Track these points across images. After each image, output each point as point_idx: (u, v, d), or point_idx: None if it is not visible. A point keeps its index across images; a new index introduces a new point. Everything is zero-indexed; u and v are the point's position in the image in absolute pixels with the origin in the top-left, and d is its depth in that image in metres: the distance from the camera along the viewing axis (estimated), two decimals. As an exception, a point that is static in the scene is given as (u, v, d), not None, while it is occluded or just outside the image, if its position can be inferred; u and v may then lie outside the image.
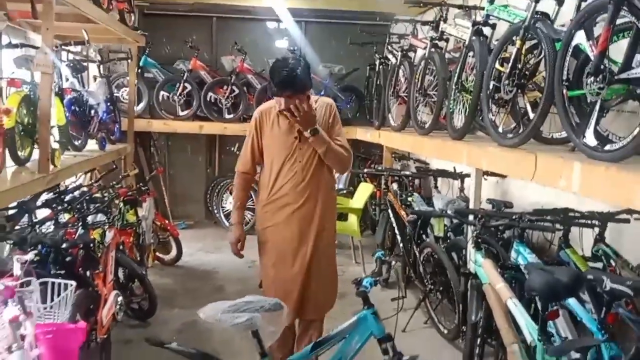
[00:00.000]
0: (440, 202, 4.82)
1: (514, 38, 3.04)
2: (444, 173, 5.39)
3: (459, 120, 3.74)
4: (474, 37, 3.57)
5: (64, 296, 2.75)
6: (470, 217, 3.41)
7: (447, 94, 3.89)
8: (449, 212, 4.02)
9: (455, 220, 4.42)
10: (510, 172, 3.23)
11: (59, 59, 4.57)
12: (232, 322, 2.21)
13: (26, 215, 3.70)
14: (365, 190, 6.09)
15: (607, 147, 2.23)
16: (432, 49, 4.29)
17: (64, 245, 3.06)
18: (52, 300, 2.74)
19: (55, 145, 3.77)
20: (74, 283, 2.81)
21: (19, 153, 3.31)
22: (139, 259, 4.78)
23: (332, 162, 3.03)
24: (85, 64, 5.13)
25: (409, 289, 4.85)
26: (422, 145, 4.41)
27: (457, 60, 3.93)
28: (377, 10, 7.07)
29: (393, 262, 5.04)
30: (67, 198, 4.09)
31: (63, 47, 4.77)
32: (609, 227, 3.13)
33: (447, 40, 4.44)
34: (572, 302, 2.59)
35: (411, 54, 5.13)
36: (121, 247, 4.13)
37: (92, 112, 4.94)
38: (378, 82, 6.02)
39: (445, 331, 4.10)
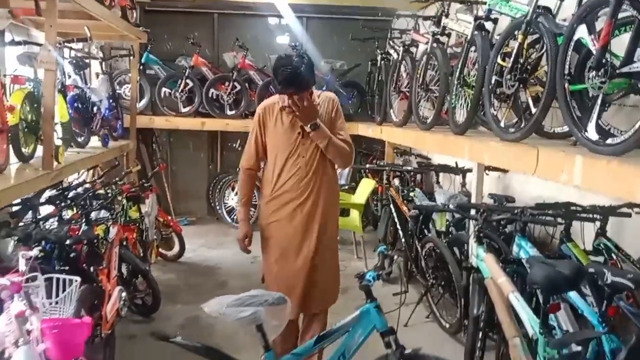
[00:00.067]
0: (442, 197, 4.84)
1: (515, 33, 3.04)
2: (445, 168, 5.40)
3: (461, 115, 3.74)
4: (475, 32, 3.57)
5: (69, 292, 2.77)
6: (472, 212, 3.42)
7: (449, 89, 3.90)
8: (451, 206, 4.03)
9: (457, 215, 4.44)
10: (512, 167, 3.24)
11: (61, 56, 4.59)
12: (236, 316, 2.23)
13: (30, 211, 3.73)
14: (367, 185, 6.10)
15: (609, 141, 2.25)
16: (434, 44, 4.29)
17: (68, 242, 3.09)
18: (57, 295, 2.77)
19: (59, 142, 3.79)
20: (78, 279, 2.83)
21: (23, 150, 3.33)
22: (142, 255, 4.80)
23: (334, 156, 3.04)
24: (87, 61, 5.14)
25: (410, 284, 4.87)
26: (424, 140, 4.42)
27: (459, 55, 3.93)
28: (378, 6, 7.06)
29: (395, 257, 5.06)
30: (71, 195, 4.11)
31: (65, 44, 4.78)
32: (611, 221, 3.14)
33: (449, 35, 4.45)
34: (573, 295, 2.60)
35: (413, 49, 5.14)
36: (124, 243, 4.15)
37: (95, 108, 4.96)
38: (380, 78, 6.02)
39: (447, 325, 4.12)
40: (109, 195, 4.29)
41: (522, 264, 2.88)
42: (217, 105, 7.10)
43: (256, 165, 3.18)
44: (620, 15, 2.22)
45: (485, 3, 3.67)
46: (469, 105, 3.55)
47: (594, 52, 2.30)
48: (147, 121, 6.94)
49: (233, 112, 7.10)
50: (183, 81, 6.95)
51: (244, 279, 5.17)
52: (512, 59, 3.00)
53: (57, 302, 2.76)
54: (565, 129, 2.93)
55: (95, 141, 5.08)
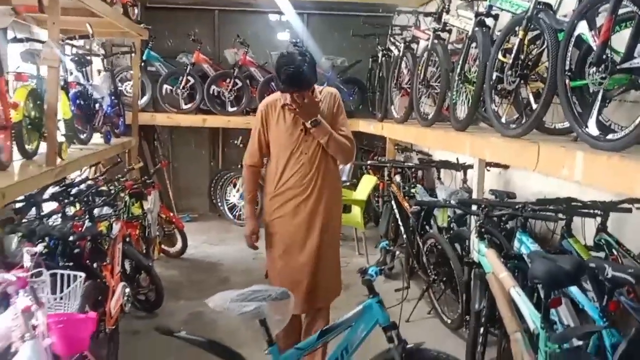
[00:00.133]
0: (443, 193, 4.85)
1: (516, 29, 3.06)
2: (447, 164, 5.41)
3: (461, 112, 3.75)
4: (476, 28, 3.58)
5: (74, 287, 2.80)
6: (474, 207, 3.44)
7: (450, 85, 3.91)
8: (452, 202, 4.05)
9: (458, 211, 4.45)
10: (513, 162, 3.25)
11: (63, 53, 4.60)
12: (240, 310, 2.25)
13: (33, 208, 3.75)
14: (368, 182, 6.12)
15: (610, 137, 2.26)
16: (435, 40, 4.30)
17: (71, 238, 3.11)
18: (61, 291, 2.79)
19: (62, 139, 3.81)
20: (83, 274, 2.86)
21: (27, 146, 3.35)
22: (145, 251, 4.83)
23: (335, 151, 3.06)
24: (89, 57, 5.15)
25: (412, 280, 4.89)
26: (425, 136, 4.43)
27: (459, 52, 3.94)
28: (379, 2, 7.06)
29: (397, 252, 5.10)
30: (74, 191, 4.12)
31: (67, 41, 4.80)
32: (611, 216, 3.15)
33: (449, 32, 4.46)
34: (574, 290, 2.62)
35: (414, 46, 5.14)
36: (127, 239, 4.17)
37: (97, 105, 4.98)
38: (380, 74, 6.03)
39: (449, 321, 4.14)
40: (112, 191, 4.30)
41: (523, 260, 2.90)
42: (218, 102, 7.12)
43: (260, 162, 3.20)
44: (621, 11, 2.23)
45: (486, -1, 3.68)
46: (470, 101, 3.56)
47: (595, 48, 2.32)
48: (148, 118, 6.96)
49: (234, 108, 7.12)
50: (184, 78, 6.96)
51: (246, 275, 5.20)
52: (512, 55, 3.02)
53: (61, 298, 2.78)
54: (566, 125, 2.94)
55: (97, 138, 5.10)
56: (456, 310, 4.06)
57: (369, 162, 6.54)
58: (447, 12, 4.45)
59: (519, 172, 4.48)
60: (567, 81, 2.54)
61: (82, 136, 4.56)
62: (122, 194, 4.53)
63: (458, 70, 3.79)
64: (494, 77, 3.20)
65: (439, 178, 5.67)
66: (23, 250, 2.57)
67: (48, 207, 3.86)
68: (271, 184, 3.11)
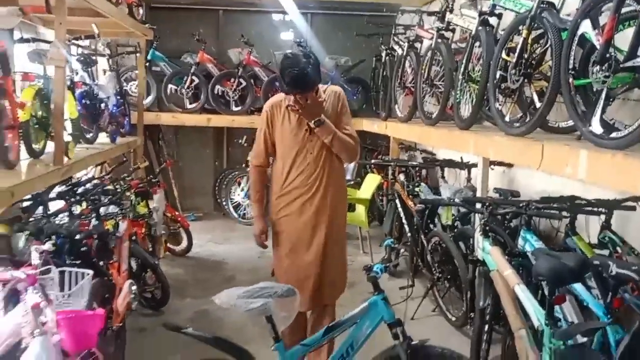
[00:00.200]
0: (447, 192, 4.87)
1: (520, 28, 3.07)
2: (451, 163, 5.43)
3: (465, 110, 3.77)
4: (480, 27, 3.59)
5: (82, 284, 2.82)
6: (478, 206, 3.45)
7: (454, 84, 3.92)
8: (456, 200, 4.06)
9: (462, 210, 4.47)
10: (517, 161, 3.26)
11: (69, 53, 4.63)
12: (246, 307, 2.27)
13: (40, 207, 3.78)
14: (372, 181, 6.13)
15: (613, 135, 2.27)
16: (439, 40, 4.32)
17: (78, 236, 3.14)
18: (69, 289, 2.82)
19: (69, 138, 3.84)
20: (90, 272, 2.89)
21: (34, 146, 3.37)
22: (151, 249, 4.86)
23: (339, 150, 3.08)
24: (94, 57, 5.18)
25: (416, 278, 4.90)
26: (429, 135, 4.45)
27: (463, 51, 3.96)
28: (382, 1, 7.08)
29: (402, 249, 5.11)
30: (80, 190, 4.16)
31: (73, 41, 4.83)
32: (615, 214, 3.16)
33: (453, 31, 4.47)
34: (578, 287, 2.63)
35: (417, 45, 5.16)
36: (134, 237, 4.20)
37: (103, 105, 5.00)
38: (384, 74, 6.05)
39: (453, 318, 4.15)
40: (118, 190, 4.33)
41: (528, 257, 2.91)
42: (222, 102, 7.14)
43: (266, 162, 3.22)
44: (624, 10, 2.25)
45: (489, -2, 3.70)
46: (474, 100, 3.58)
47: (598, 46, 2.33)
48: (153, 118, 7.00)
49: (239, 108, 7.14)
50: (189, 78, 6.99)
51: (251, 274, 5.22)
52: (516, 54, 3.03)
53: (69, 295, 2.81)
54: (570, 123, 2.95)
55: (103, 137, 5.13)
56: (460, 308, 4.07)
57: (373, 160, 6.56)
58: (451, 11, 4.47)
59: (523, 171, 4.49)
60: (570, 80, 2.55)
61: (88, 135, 4.59)
62: (128, 193, 4.56)
63: (462, 69, 3.81)
64: (497, 76, 3.21)
65: (442, 177, 5.68)
66: (31, 248, 2.61)
67: (55, 205, 3.90)
68: (277, 183, 3.13)
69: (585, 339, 2.49)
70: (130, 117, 6.10)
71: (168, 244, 5.66)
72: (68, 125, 4.01)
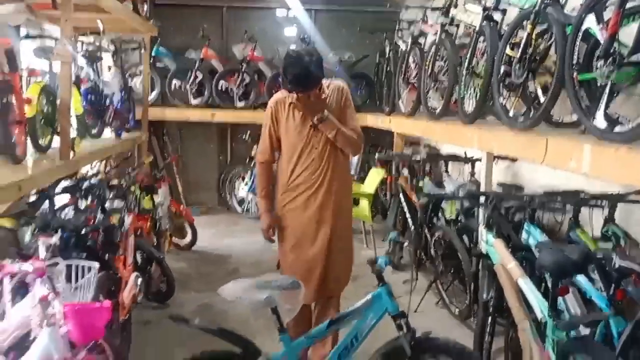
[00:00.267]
0: (451, 186, 4.88)
1: (524, 23, 3.08)
2: (454, 158, 5.44)
3: (469, 105, 3.78)
4: (484, 23, 3.60)
5: (89, 277, 2.85)
6: (482, 199, 3.46)
7: (458, 79, 3.93)
8: (460, 194, 4.08)
9: (466, 204, 4.48)
10: (521, 155, 3.27)
11: (75, 49, 4.66)
12: (251, 299, 2.29)
13: (47, 201, 3.81)
14: (376, 175, 6.15)
15: (617, 129, 2.28)
16: (443, 35, 4.32)
17: (84, 230, 3.17)
18: (75, 282, 2.85)
19: (74, 134, 3.87)
20: (97, 265, 2.91)
21: (40, 141, 3.40)
22: (156, 243, 4.89)
23: (343, 145, 3.09)
24: (99, 53, 5.20)
25: (420, 272, 4.93)
26: (433, 130, 4.46)
27: (467, 46, 3.96)
28: (386, -3, 7.09)
29: (406, 243, 5.14)
30: (86, 185, 4.18)
31: (79, 37, 4.85)
32: (619, 208, 3.17)
33: (457, 26, 4.47)
34: (581, 279, 2.65)
35: (421, 40, 5.16)
36: (139, 232, 4.23)
37: (107, 101, 5.03)
38: (388, 69, 6.05)
39: (457, 311, 4.17)
40: (123, 185, 4.36)
41: (531, 251, 2.93)
42: (226, 97, 7.16)
43: (272, 158, 3.23)
44: (628, 4, 2.25)
45: (493, -7, 3.69)
46: (478, 95, 3.59)
47: (602, 41, 2.34)
48: (158, 113, 7.02)
49: (242, 103, 7.16)
50: (193, 73, 7.01)
51: (254, 267, 5.25)
52: (520, 49, 3.04)
53: (76, 288, 2.83)
54: (574, 118, 2.96)
55: (107, 133, 5.16)
56: (464, 301, 4.09)
57: (377, 155, 6.57)
58: (455, 6, 4.46)
59: (527, 165, 4.50)
60: (574, 74, 2.56)
61: (94, 131, 4.62)
62: (133, 188, 4.59)
63: (466, 64, 3.81)
64: (501, 71, 3.22)
65: (446, 171, 5.69)
66: (38, 241, 2.64)
67: (60, 200, 3.93)
68: (283, 179, 3.15)
69: (588, 331, 2.52)
70: (134, 113, 6.13)
71: (173, 238, 5.69)
72: (73, 121, 4.04)
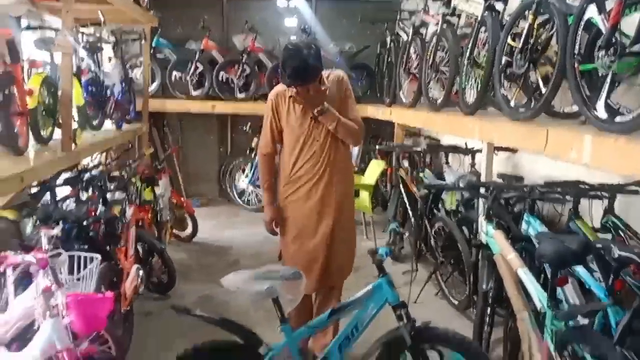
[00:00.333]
0: (451, 177, 4.89)
1: (526, 13, 3.07)
2: (455, 149, 5.44)
3: (470, 96, 3.77)
4: (486, 13, 3.59)
5: (91, 268, 2.87)
6: (482, 190, 3.47)
7: (459, 69, 3.92)
8: (461, 185, 4.09)
9: (466, 195, 4.49)
10: (521, 146, 3.27)
11: (76, 40, 4.64)
12: (253, 289, 2.31)
13: (48, 193, 3.82)
14: (376, 167, 6.15)
15: (618, 119, 2.28)
16: (444, 25, 4.31)
17: (86, 222, 3.18)
18: (77, 273, 2.87)
19: (76, 125, 3.87)
20: (99, 256, 2.93)
21: (42, 132, 3.40)
22: (157, 235, 4.90)
23: (344, 135, 3.10)
24: (99, 44, 5.19)
25: (420, 263, 4.95)
26: (434, 121, 4.46)
27: (469, 36, 3.95)
28: (387, -13, 7.05)
29: (406, 234, 5.16)
30: (87, 176, 4.19)
31: (81, 29, 4.84)
32: (618, 198, 3.18)
33: (459, 16, 4.45)
34: (580, 270, 2.66)
35: (422, 31, 5.14)
36: (140, 223, 4.24)
37: (108, 92, 5.03)
38: (389, 59, 6.04)
39: (456, 302, 4.20)
40: (125, 177, 4.37)
41: (531, 241, 2.94)
42: (227, 88, 7.15)
43: (274, 150, 3.24)
44: (630, -6, 2.25)
45: (495, -17, 3.68)
46: (479, 85, 3.58)
47: (604, 31, 2.33)
48: (158, 104, 7.01)
49: (243, 94, 7.15)
50: (193, 64, 7.00)
51: (255, 259, 5.27)
52: (522, 39, 3.03)
53: (78, 279, 2.85)
54: (575, 108, 2.96)
55: (108, 124, 5.16)
56: (463, 291, 4.11)
57: (377, 146, 6.57)
58: (457, -4, 4.44)
59: (527, 156, 4.50)
60: (576, 65, 2.56)
61: (94, 122, 4.62)
62: (133, 179, 4.60)
63: (467, 54, 3.81)
64: (503, 62, 3.21)
65: (447, 162, 5.69)
66: (41, 233, 2.65)
67: (61, 192, 3.94)
68: (285, 171, 3.16)
69: (586, 321, 2.53)
70: (135, 104, 6.12)
71: (174, 230, 5.71)
72: (74, 113, 4.03)
